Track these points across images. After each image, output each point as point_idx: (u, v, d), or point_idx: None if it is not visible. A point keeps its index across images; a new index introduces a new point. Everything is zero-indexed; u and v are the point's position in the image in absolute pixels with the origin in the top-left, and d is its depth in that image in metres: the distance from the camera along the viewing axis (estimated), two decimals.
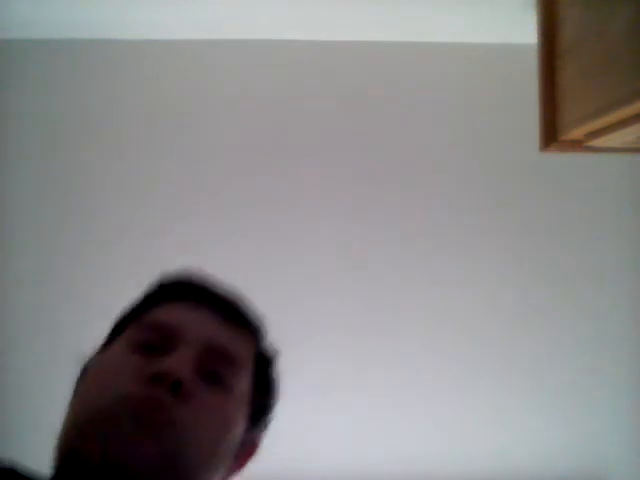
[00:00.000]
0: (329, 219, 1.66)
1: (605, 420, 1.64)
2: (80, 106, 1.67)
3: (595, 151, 1.30)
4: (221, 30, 1.64)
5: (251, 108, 1.69)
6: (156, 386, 0.59)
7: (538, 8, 1.36)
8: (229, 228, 1.65)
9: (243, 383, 0.66)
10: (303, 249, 1.65)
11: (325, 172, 1.68)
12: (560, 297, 1.67)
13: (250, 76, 1.69)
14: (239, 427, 0.65)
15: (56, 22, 1.59)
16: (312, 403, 1.60)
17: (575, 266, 1.68)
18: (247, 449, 0.69)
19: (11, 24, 1.60)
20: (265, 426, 0.72)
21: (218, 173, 1.67)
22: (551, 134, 1.29)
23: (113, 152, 1.67)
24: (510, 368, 1.65)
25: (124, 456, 0.55)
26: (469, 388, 1.64)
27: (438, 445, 1.62)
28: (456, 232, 1.67)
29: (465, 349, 1.64)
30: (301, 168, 1.68)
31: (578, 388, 1.65)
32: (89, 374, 0.65)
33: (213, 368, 0.64)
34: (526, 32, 1.43)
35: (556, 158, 1.53)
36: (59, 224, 1.64)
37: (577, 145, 1.28)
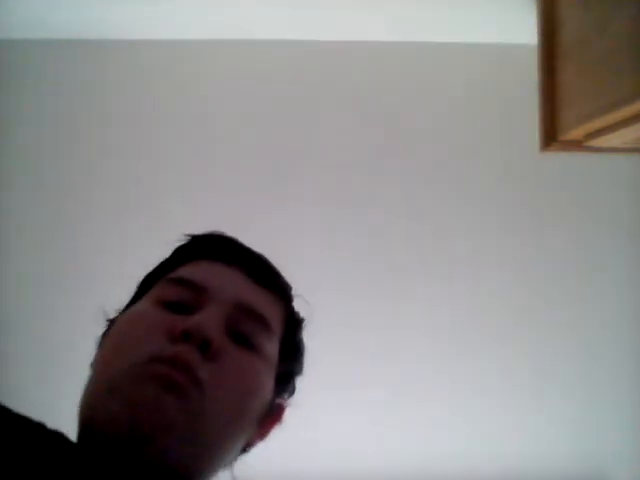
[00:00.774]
0: (329, 218, 1.66)
1: (606, 420, 1.64)
2: (80, 106, 1.67)
3: (595, 151, 1.30)
4: (221, 30, 1.64)
5: (251, 108, 1.69)
6: (184, 344, 0.56)
7: (538, 8, 1.36)
8: (229, 227, 1.65)
9: (272, 346, 0.64)
10: (303, 248, 1.65)
11: (325, 171, 1.68)
12: (561, 296, 1.67)
13: (250, 76, 1.69)
14: (267, 390, 0.63)
15: (56, 22, 1.59)
16: (312, 403, 1.60)
17: (576, 266, 1.68)
18: (273, 415, 0.67)
19: (11, 24, 1.60)
20: (291, 392, 0.71)
21: (218, 172, 1.67)
22: (551, 134, 1.29)
23: (113, 152, 1.67)
24: (511, 368, 1.65)
25: (151, 425, 0.53)
26: (470, 388, 1.64)
27: (439, 445, 1.62)
28: (456, 231, 1.67)
29: (465, 349, 1.64)
30: (301, 167, 1.68)
31: (579, 388, 1.65)
32: (114, 332, 0.62)
33: (243, 329, 0.62)
34: (526, 32, 1.43)
35: (556, 158, 1.53)
36: (58, 224, 1.64)
37: (577, 145, 1.28)
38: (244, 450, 0.66)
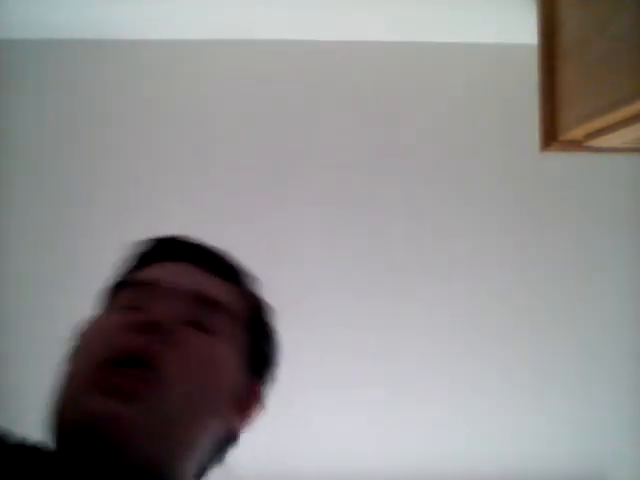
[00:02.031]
0: (329, 218, 1.66)
1: (606, 420, 1.64)
2: (80, 106, 1.67)
3: (595, 151, 1.30)
4: (221, 30, 1.64)
5: (251, 108, 1.69)
6: (136, 334, 0.58)
7: (538, 8, 1.36)
8: (229, 227, 1.65)
9: (233, 328, 0.65)
10: (303, 248, 1.65)
11: (325, 171, 1.68)
12: (561, 296, 1.67)
13: (250, 76, 1.69)
14: (231, 370, 0.64)
15: (56, 22, 1.59)
16: (312, 403, 1.60)
17: (576, 266, 1.68)
18: (250, 399, 0.68)
19: (11, 24, 1.60)
20: (268, 377, 0.71)
21: (217, 172, 1.67)
22: (551, 134, 1.29)
23: (113, 152, 1.67)
24: (511, 368, 1.65)
25: (113, 437, 0.54)
26: (470, 388, 1.64)
27: (438, 445, 1.62)
28: (456, 231, 1.67)
29: (465, 349, 1.64)
30: (301, 167, 1.68)
31: (579, 388, 1.65)
32: (76, 347, 0.64)
33: (199, 315, 0.63)
34: (526, 32, 1.43)
35: (556, 158, 1.53)
36: (58, 223, 1.64)
37: (577, 145, 1.28)
38: (230, 439, 0.67)
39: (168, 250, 0.70)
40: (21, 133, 1.66)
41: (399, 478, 1.59)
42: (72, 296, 1.61)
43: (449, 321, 1.65)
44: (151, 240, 0.71)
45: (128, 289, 0.66)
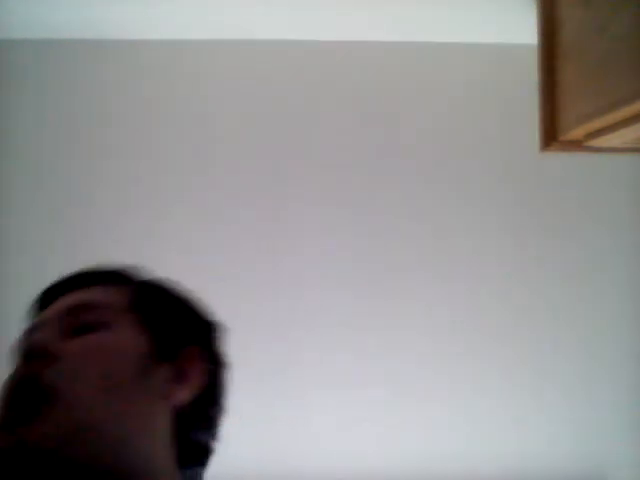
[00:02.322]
0: (329, 218, 1.66)
1: (605, 420, 1.64)
2: (80, 106, 1.67)
3: (595, 151, 1.30)
4: (221, 30, 1.64)
5: (251, 108, 1.69)
6: (23, 364, 0.59)
7: (538, 8, 1.36)
8: (229, 227, 1.65)
9: (116, 316, 0.66)
10: (303, 248, 1.65)
11: (325, 171, 1.67)
12: (560, 296, 1.67)
13: (250, 76, 1.69)
14: (128, 347, 0.64)
15: (56, 22, 1.59)
16: (312, 402, 1.60)
17: (575, 266, 1.68)
18: (188, 365, 0.68)
19: (11, 24, 1.60)
20: (204, 337, 0.72)
21: (217, 172, 1.67)
22: (551, 134, 1.29)
23: (113, 152, 1.67)
24: (511, 368, 1.65)
25: (36, 456, 0.55)
26: (470, 388, 1.64)
27: (439, 445, 1.62)
28: (456, 231, 1.67)
29: (465, 349, 1.64)
30: (301, 167, 1.68)
31: (579, 388, 1.65)
32: None
33: (79, 322, 0.64)
34: (526, 32, 1.43)
35: (556, 158, 1.53)
36: (58, 223, 1.64)
37: (577, 145, 1.28)
38: (187, 411, 0.66)
39: (52, 292, 0.71)
40: (21, 133, 1.66)
41: (399, 478, 1.59)
42: None
43: (449, 321, 1.65)
44: (42, 291, 0.74)
45: (19, 343, 0.67)
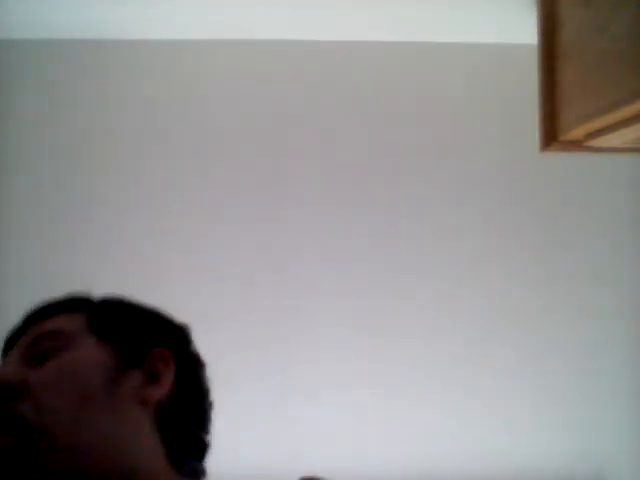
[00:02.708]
0: (329, 218, 1.66)
1: (605, 420, 1.64)
2: (80, 106, 1.67)
3: (595, 151, 1.30)
4: (221, 30, 1.64)
5: (251, 108, 1.69)
6: None
7: (538, 8, 1.36)
8: (229, 228, 1.65)
9: (75, 338, 0.68)
10: (303, 248, 1.65)
11: (325, 172, 1.68)
12: (560, 297, 1.67)
13: (250, 76, 1.69)
14: (94, 362, 0.66)
15: (56, 22, 1.59)
16: (311, 403, 1.60)
17: (575, 266, 1.68)
18: (157, 365, 0.70)
19: (11, 24, 1.60)
20: (165, 337, 0.73)
21: (217, 172, 1.67)
22: (551, 134, 1.29)
23: (112, 152, 1.67)
24: (510, 368, 1.65)
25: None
26: (469, 388, 1.64)
27: (437, 445, 1.62)
28: (456, 231, 1.67)
29: (464, 349, 1.64)
30: (301, 167, 1.68)
31: (578, 388, 1.65)
32: None
33: (39, 350, 0.66)
34: (526, 32, 1.43)
35: (556, 158, 1.53)
36: (58, 224, 1.64)
37: (577, 145, 1.28)
38: (165, 409, 0.68)
39: (15, 335, 0.73)
40: (21, 133, 1.66)
41: (399, 478, 1.59)
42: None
43: (448, 321, 1.65)
44: (6, 337, 0.75)
45: None
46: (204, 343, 0.75)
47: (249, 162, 1.67)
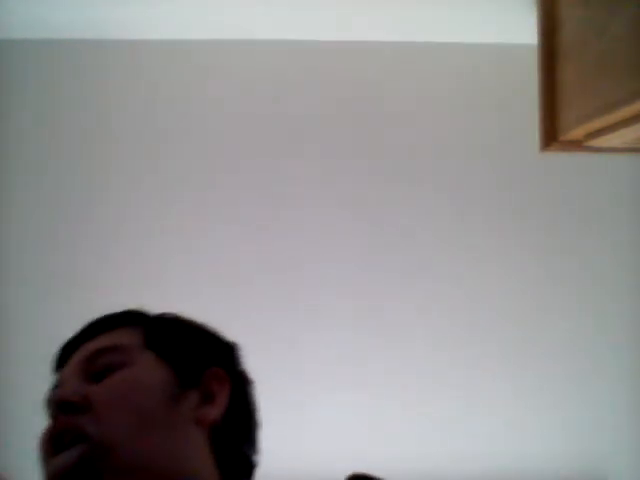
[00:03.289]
0: (330, 218, 1.66)
1: (605, 420, 1.65)
2: (80, 106, 1.67)
3: (595, 151, 1.30)
4: (221, 30, 1.64)
5: (251, 108, 1.69)
6: (55, 422, 0.63)
7: (538, 8, 1.36)
8: (229, 228, 1.65)
9: (132, 355, 0.68)
10: (302, 248, 1.65)
11: (325, 172, 1.68)
12: (560, 296, 1.67)
13: (250, 76, 1.69)
14: (153, 385, 0.66)
15: (56, 22, 1.59)
16: (312, 402, 1.60)
17: (574, 266, 1.68)
18: (212, 384, 0.70)
19: (11, 24, 1.60)
20: (220, 357, 0.74)
21: (217, 173, 1.67)
22: (551, 134, 1.29)
23: (112, 152, 1.67)
24: (510, 368, 1.65)
25: None
26: (469, 388, 1.64)
27: (438, 445, 1.62)
28: (456, 231, 1.67)
29: (464, 349, 1.64)
30: (301, 168, 1.68)
31: (578, 388, 1.65)
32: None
33: (98, 367, 0.66)
34: (526, 32, 1.43)
35: (556, 158, 1.53)
36: (58, 224, 1.64)
37: (577, 145, 1.28)
38: (219, 429, 0.68)
39: (68, 349, 0.74)
40: (21, 133, 1.66)
41: (399, 478, 1.59)
42: (71, 295, 1.61)
43: (448, 321, 1.65)
44: (58, 348, 0.76)
45: (47, 400, 0.70)
46: None
47: (249, 162, 1.67)
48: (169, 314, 0.77)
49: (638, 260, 1.68)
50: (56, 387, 0.69)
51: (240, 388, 0.73)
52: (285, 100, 1.69)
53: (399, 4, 1.49)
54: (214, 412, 0.68)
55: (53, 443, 0.61)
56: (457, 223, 1.68)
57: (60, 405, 0.63)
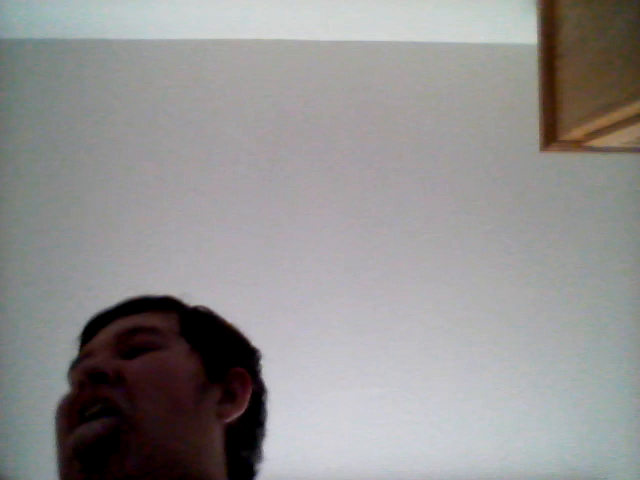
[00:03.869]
0: (329, 219, 1.66)
1: (605, 420, 1.64)
2: (80, 106, 1.67)
3: (595, 151, 1.30)
4: (220, 30, 1.64)
5: (251, 108, 1.69)
6: (83, 390, 0.62)
7: (538, 8, 1.36)
8: (229, 229, 1.65)
9: (169, 338, 0.69)
10: (302, 248, 1.65)
11: (325, 172, 1.68)
12: (559, 297, 1.67)
13: (250, 76, 1.69)
14: (186, 370, 0.67)
15: (56, 22, 1.59)
16: (312, 403, 1.60)
17: (574, 266, 1.68)
18: (237, 386, 0.71)
19: (11, 24, 1.60)
20: (248, 360, 0.75)
21: (217, 173, 1.67)
22: (551, 134, 1.29)
23: (112, 152, 1.67)
24: (510, 368, 1.65)
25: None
26: (469, 388, 1.64)
27: (437, 445, 1.62)
28: (456, 231, 1.67)
29: (464, 351, 1.64)
30: (302, 168, 1.68)
31: (578, 388, 1.65)
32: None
33: (133, 343, 0.67)
34: (526, 32, 1.43)
35: (556, 158, 1.53)
36: (58, 224, 1.64)
37: (577, 145, 1.28)
38: (236, 430, 0.69)
39: (100, 320, 0.74)
40: (21, 133, 1.66)
41: (399, 478, 1.59)
42: (70, 295, 1.61)
43: (448, 321, 1.65)
44: (90, 318, 0.76)
45: (75, 368, 0.69)
46: None
47: (249, 162, 1.67)
48: (203, 307, 0.78)
49: (638, 260, 1.68)
50: (84, 357, 0.68)
51: (258, 395, 0.74)
52: (285, 100, 1.69)
53: (399, 4, 1.49)
54: (234, 412, 0.69)
55: (77, 412, 0.61)
56: (456, 222, 1.68)
57: (92, 375, 0.62)
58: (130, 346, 0.66)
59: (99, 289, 1.57)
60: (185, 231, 1.64)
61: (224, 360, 0.71)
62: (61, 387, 0.69)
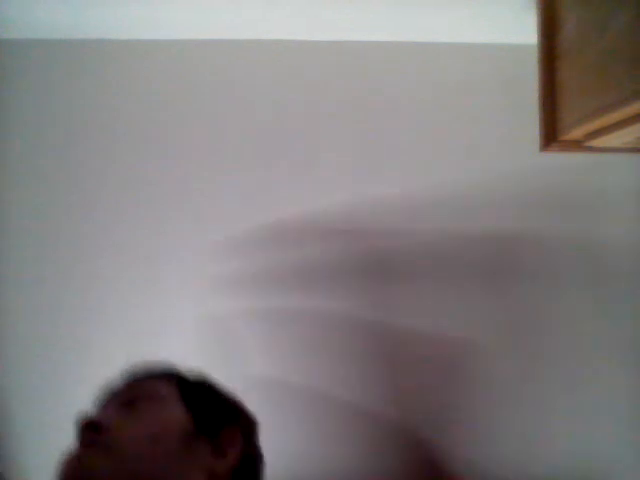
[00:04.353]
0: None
1: (605, 420, 1.65)
2: (80, 106, 1.67)
3: (595, 151, 1.30)
4: (221, 30, 1.64)
5: (251, 108, 1.69)
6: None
7: (538, 8, 1.36)
8: (229, 229, 1.65)
9: (164, 395, 0.74)
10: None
11: (324, 172, 1.68)
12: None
13: (250, 76, 1.70)
14: (173, 423, 0.71)
15: (56, 22, 1.59)
16: (313, 403, 1.61)
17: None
18: (226, 442, 0.74)
19: (11, 24, 1.60)
20: (233, 422, 0.78)
21: (217, 173, 1.67)
22: (551, 134, 1.29)
23: (112, 152, 1.67)
24: (509, 368, 1.65)
25: None
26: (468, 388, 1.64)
27: (438, 443, 1.62)
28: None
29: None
30: (301, 168, 1.68)
31: (578, 388, 1.65)
32: None
33: (128, 397, 0.73)
34: (526, 32, 1.43)
35: (556, 158, 1.53)
36: (58, 224, 1.64)
37: (577, 145, 1.29)
38: None
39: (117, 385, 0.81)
40: (21, 133, 1.66)
41: (399, 478, 1.59)
42: (70, 296, 1.61)
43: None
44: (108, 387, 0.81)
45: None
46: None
47: (249, 162, 1.67)
48: (202, 376, 0.83)
49: (638, 261, 1.68)
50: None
51: (252, 459, 0.78)
52: (285, 100, 1.69)
53: (399, 4, 1.49)
54: (221, 467, 0.72)
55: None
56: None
57: (84, 425, 0.70)
58: (125, 398, 0.73)
59: (99, 289, 1.57)
60: (185, 231, 1.64)
61: (216, 417, 0.75)
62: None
